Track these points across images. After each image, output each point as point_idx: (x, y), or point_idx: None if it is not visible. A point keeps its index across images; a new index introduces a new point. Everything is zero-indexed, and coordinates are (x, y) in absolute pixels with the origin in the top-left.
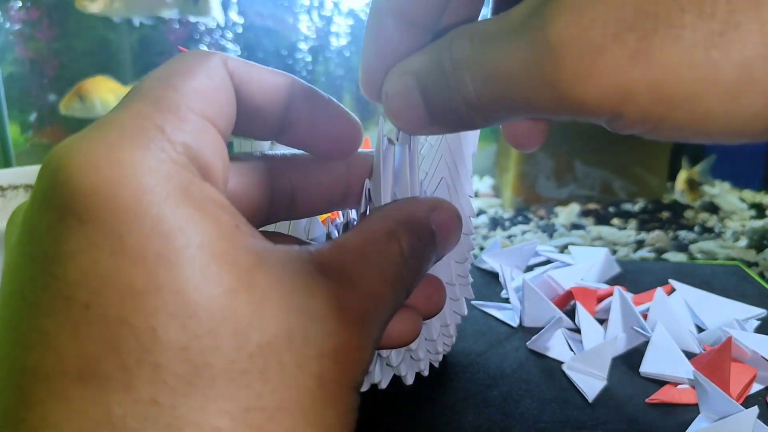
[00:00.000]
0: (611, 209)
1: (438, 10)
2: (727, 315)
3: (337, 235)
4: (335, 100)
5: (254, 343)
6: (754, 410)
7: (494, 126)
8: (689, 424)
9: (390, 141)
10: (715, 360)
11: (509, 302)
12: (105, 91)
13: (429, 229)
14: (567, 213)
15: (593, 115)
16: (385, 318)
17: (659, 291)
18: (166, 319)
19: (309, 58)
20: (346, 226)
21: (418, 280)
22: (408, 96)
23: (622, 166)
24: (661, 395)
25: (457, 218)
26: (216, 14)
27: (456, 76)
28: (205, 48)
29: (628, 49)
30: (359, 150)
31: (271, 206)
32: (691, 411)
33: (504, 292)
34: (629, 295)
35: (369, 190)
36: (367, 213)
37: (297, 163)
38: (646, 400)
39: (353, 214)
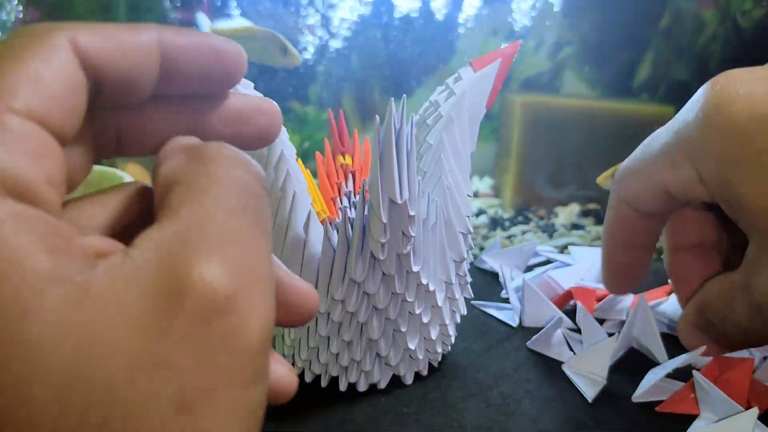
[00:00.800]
0: None
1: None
2: None
3: (336, 236)
4: (209, 33)
5: (86, 396)
6: (754, 411)
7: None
8: (689, 425)
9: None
10: (735, 373)
11: (509, 302)
12: None
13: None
14: (567, 213)
15: None
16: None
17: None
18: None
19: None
20: (346, 225)
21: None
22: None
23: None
24: (671, 405)
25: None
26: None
27: (732, 320)
28: None
29: None
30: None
31: (97, 149)
32: (695, 416)
33: (504, 292)
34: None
35: (367, 188)
36: (365, 212)
37: (125, 110)
38: (656, 408)
39: (352, 213)
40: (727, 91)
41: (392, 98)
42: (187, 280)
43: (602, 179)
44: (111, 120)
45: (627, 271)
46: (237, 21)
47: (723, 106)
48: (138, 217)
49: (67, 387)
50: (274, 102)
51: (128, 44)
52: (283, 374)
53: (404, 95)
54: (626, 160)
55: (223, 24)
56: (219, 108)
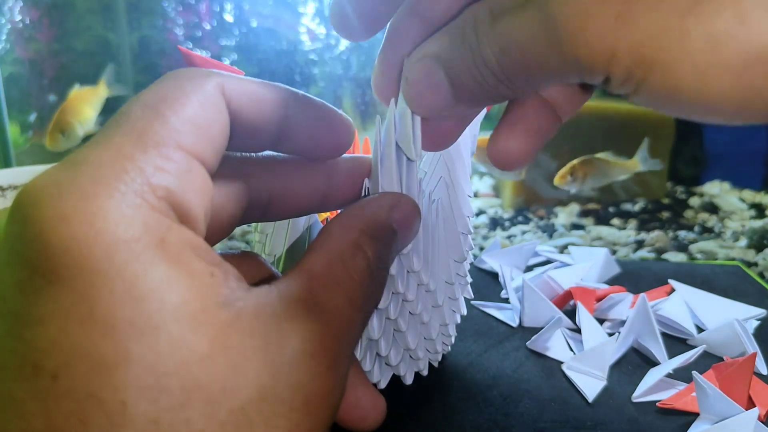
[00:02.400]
0: (611, 209)
1: (457, 8)
2: (726, 315)
3: None
4: (325, 102)
5: (226, 410)
6: (755, 412)
7: (517, 97)
8: (689, 426)
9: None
10: (736, 373)
11: (509, 302)
12: (83, 112)
13: (392, 231)
14: (567, 213)
15: (590, 74)
16: (355, 343)
17: (641, 297)
18: (136, 393)
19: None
20: None
21: (383, 287)
22: (431, 77)
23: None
24: (672, 401)
25: (416, 213)
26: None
27: (481, 48)
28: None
29: (614, 12)
30: (346, 155)
31: (245, 211)
32: (691, 412)
33: (504, 292)
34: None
35: (368, 189)
36: None
37: (275, 169)
38: (658, 404)
39: None
40: None
41: (392, 98)
42: (293, 351)
43: (558, 179)
44: (261, 180)
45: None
46: None
47: None
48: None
49: (215, 401)
50: (348, 119)
51: (261, 96)
52: (367, 401)
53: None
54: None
55: None
56: (346, 170)
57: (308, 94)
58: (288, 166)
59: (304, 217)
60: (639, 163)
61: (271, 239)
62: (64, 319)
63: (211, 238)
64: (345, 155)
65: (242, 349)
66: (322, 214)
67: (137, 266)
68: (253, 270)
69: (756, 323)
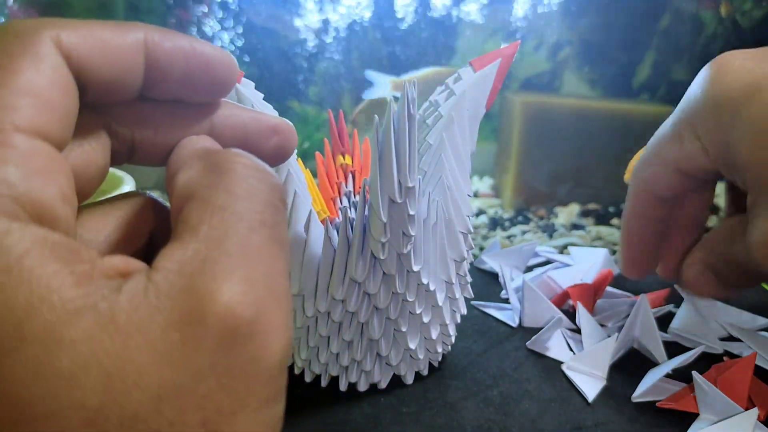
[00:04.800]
0: (611, 209)
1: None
2: (743, 325)
3: (336, 235)
4: (197, 38)
5: (113, 428)
6: (754, 412)
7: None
8: (689, 426)
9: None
10: (736, 373)
11: (509, 302)
12: None
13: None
14: (567, 213)
15: None
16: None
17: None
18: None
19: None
20: (346, 225)
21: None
22: (703, 277)
23: (622, 166)
24: (672, 401)
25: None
26: None
27: (736, 254)
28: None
29: None
30: (232, 103)
31: (111, 158)
32: (690, 412)
33: (504, 292)
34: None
35: (368, 188)
36: (366, 212)
37: (142, 118)
38: (657, 404)
39: (352, 213)
40: (723, 65)
41: (392, 98)
42: (210, 308)
43: (628, 175)
44: (124, 130)
45: (643, 257)
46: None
47: (718, 78)
48: (146, 228)
49: (96, 418)
50: (290, 122)
51: (112, 44)
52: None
53: (415, 80)
54: (644, 148)
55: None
56: (233, 125)
57: (175, 31)
58: (161, 114)
59: (304, 217)
60: None
61: None
62: None
63: (85, 194)
64: (247, 109)
65: (122, 353)
66: (322, 214)
67: None
68: (148, 216)
69: None
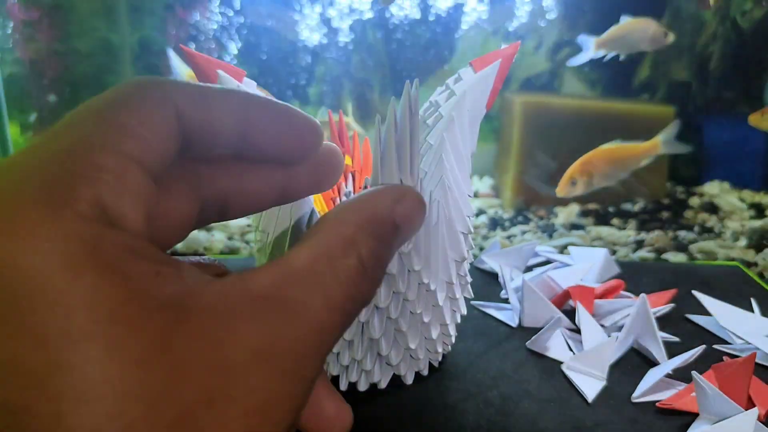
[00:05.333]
0: (611, 209)
1: None
2: (754, 329)
3: None
4: (289, 105)
5: (170, 415)
6: (754, 412)
7: None
8: (689, 426)
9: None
10: (735, 373)
11: (509, 302)
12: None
13: (393, 227)
14: (567, 213)
15: None
16: (329, 346)
17: (642, 298)
18: (71, 404)
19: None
20: None
21: (379, 286)
22: None
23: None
24: (671, 401)
25: (422, 207)
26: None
27: None
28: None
29: None
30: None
31: (201, 214)
32: (695, 416)
33: (503, 292)
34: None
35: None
36: None
37: (229, 169)
38: (657, 404)
39: None
40: None
41: (393, 96)
42: (243, 353)
43: (560, 190)
44: (215, 185)
45: None
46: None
47: None
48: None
49: (157, 405)
50: (314, 119)
51: (217, 107)
52: (331, 410)
53: (416, 79)
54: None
55: None
56: (306, 163)
57: (271, 97)
58: (243, 164)
59: (306, 215)
60: (661, 145)
61: (272, 238)
62: None
63: (164, 242)
64: None
65: (185, 351)
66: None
67: (67, 275)
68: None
69: None
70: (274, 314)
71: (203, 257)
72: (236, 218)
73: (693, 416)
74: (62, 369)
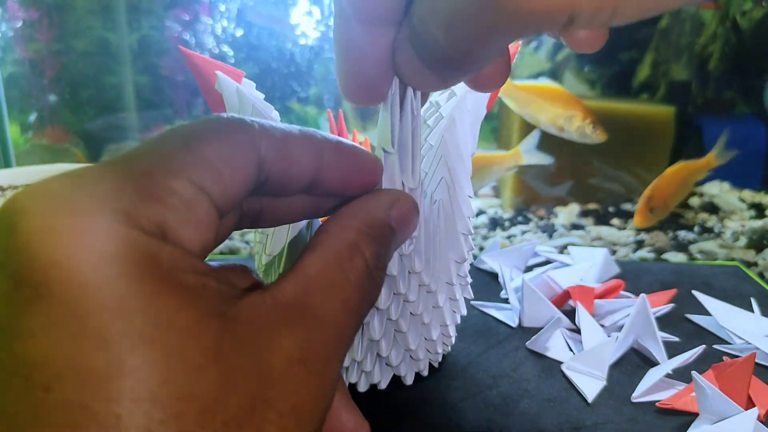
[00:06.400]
0: (611, 209)
1: (398, 6)
2: (754, 329)
3: None
4: (357, 145)
5: (220, 420)
6: (754, 411)
7: (483, 65)
8: (689, 426)
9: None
10: (735, 373)
11: (509, 302)
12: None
13: (390, 230)
14: (567, 213)
15: (549, 23)
16: (347, 346)
17: (642, 298)
18: (130, 405)
19: (313, 45)
20: None
21: (381, 286)
22: (406, 56)
23: (621, 166)
24: (671, 401)
25: (415, 210)
26: None
27: (426, 33)
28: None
29: None
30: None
31: (237, 224)
32: (695, 416)
33: (503, 292)
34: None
35: None
36: None
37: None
38: (657, 404)
39: None
40: None
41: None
42: (279, 360)
43: (640, 221)
44: (255, 206)
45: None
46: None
47: None
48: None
49: (210, 411)
50: (377, 158)
51: (297, 147)
52: (351, 424)
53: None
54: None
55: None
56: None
57: (342, 139)
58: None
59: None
60: (523, 155)
61: (272, 239)
62: (55, 332)
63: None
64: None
65: (234, 358)
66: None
67: (128, 281)
68: (240, 280)
69: None
70: (302, 321)
71: (230, 263)
72: (267, 227)
73: (693, 416)
74: (122, 371)
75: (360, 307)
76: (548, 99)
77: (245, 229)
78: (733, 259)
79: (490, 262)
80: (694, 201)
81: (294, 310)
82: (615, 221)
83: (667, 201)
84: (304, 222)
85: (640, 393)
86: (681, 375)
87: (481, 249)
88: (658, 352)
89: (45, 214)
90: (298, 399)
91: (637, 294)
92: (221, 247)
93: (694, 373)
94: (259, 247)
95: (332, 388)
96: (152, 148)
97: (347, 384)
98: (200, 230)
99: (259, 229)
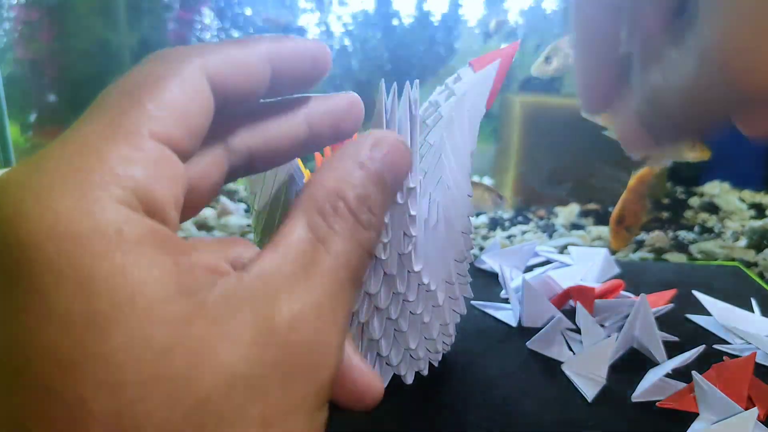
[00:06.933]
0: (611, 209)
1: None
2: (753, 329)
3: None
4: (305, 39)
5: (190, 402)
6: (754, 411)
7: (710, 134)
8: (689, 426)
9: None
10: (735, 373)
11: (509, 302)
12: None
13: (375, 173)
14: (567, 213)
15: None
16: (348, 305)
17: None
18: (94, 389)
19: None
20: None
21: (375, 233)
22: (631, 125)
23: (621, 165)
24: (671, 401)
25: (401, 147)
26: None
27: (662, 106)
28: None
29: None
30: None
31: (230, 171)
32: (695, 416)
33: (503, 292)
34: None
35: None
36: None
37: (254, 126)
38: (657, 404)
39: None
40: None
41: (381, 80)
42: (281, 319)
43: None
44: (241, 141)
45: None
46: None
47: None
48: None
49: (177, 393)
50: (356, 96)
51: (246, 63)
52: (363, 379)
53: (417, 80)
54: None
55: None
56: (322, 113)
57: (289, 36)
58: (267, 120)
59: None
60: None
61: (259, 196)
62: (24, 316)
63: (198, 205)
64: (318, 95)
65: (206, 339)
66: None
67: (93, 263)
68: (245, 251)
69: None
70: (296, 283)
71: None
72: (261, 171)
73: (693, 416)
74: (86, 355)
75: (352, 259)
76: None
77: (243, 177)
78: (733, 259)
79: (490, 262)
80: (694, 201)
81: (282, 277)
82: None
83: (638, 215)
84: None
85: (641, 393)
86: (681, 375)
87: (481, 249)
88: (658, 352)
89: (14, 201)
90: (309, 350)
91: (637, 294)
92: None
93: (694, 373)
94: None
95: (341, 337)
96: (101, 113)
97: None
98: (172, 185)
99: (251, 193)
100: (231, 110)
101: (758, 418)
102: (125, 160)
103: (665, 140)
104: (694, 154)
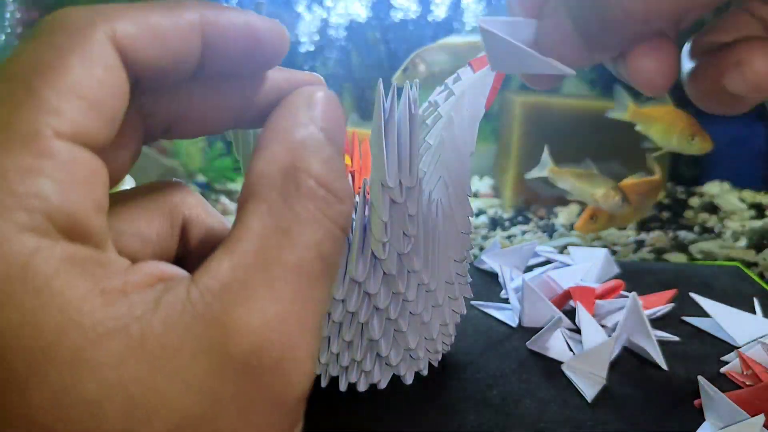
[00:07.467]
0: None
1: None
2: (756, 331)
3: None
4: (249, 11)
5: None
6: (761, 418)
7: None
8: (693, 429)
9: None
10: (756, 395)
11: (509, 302)
12: None
13: (317, 138)
14: (567, 213)
15: None
16: (336, 261)
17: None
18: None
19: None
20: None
21: (343, 196)
22: (561, 28)
23: (621, 165)
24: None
25: (332, 101)
26: None
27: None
28: None
29: None
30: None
31: (144, 138)
32: (695, 417)
33: (503, 292)
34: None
35: (368, 188)
36: (366, 212)
37: (174, 95)
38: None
39: (353, 214)
40: None
41: (379, 79)
42: (237, 339)
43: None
44: (159, 106)
45: None
46: None
47: None
48: (178, 215)
49: None
50: (319, 75)
51: (169, 32)
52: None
53: (417, 80)
54: None
55: None
56: (264, 85)
57: (228, 6)
58: (192, 87)
59: None
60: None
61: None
62: None
63: (116, 178)
64: (279, 69)
65: (147, 381)
66: None
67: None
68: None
69: None
70: (252, 296)
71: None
72: (184, 138)
73: (697, 419)
74: (31, 378)
75: (324, 246)
76: (659, 119)
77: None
78: (733, 259)
79: (490, 262)
80: (694, 201)
81: (232, 291)
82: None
83: (612, 216)
84: None
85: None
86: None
87: (481, 249)
88: (653, 350)
89: None
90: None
91: (637, 294)
92: None
93: (700, 378)
94: None
95: (313, 344)
96: None
97: (347, 383)
98: (90, 189)
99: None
100: (163, 85)
101: (765, 425)
102: (27, 173)
103: (602, 47)
104: (695, 147)
